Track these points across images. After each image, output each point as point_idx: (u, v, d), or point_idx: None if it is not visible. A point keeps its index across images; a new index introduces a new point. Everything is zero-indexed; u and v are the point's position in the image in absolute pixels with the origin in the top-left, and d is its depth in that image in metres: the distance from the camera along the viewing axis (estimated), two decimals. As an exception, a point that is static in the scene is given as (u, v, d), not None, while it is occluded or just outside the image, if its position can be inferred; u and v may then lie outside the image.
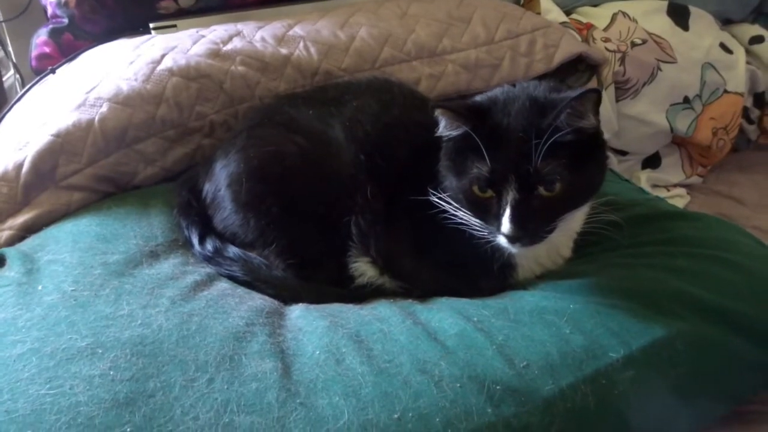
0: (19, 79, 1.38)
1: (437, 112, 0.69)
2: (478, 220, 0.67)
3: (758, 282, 0.68)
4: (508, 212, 0.64)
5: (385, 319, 0.67)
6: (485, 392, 0.56)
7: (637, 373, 0.58)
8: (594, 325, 0.62)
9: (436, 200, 0.70)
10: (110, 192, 0.94)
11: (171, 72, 0.97)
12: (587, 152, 0.66)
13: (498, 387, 0.56)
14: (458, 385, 0.56)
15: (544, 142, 0.62)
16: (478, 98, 0.72)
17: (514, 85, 0.73)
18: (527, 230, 0.64)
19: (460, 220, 0.69)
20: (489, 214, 0.67)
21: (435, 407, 0.55)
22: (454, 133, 0.69)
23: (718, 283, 0.66)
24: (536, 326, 0.63)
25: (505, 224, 0.64)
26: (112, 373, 0.57)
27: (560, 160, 0.63)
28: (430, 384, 0.57)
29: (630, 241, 0.75)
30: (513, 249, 0.67)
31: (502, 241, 0.66)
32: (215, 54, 1.00)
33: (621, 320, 0.62)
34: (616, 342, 0.60)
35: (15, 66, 1.37)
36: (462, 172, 0.68)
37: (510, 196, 0.64)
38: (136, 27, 1.18)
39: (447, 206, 0.69)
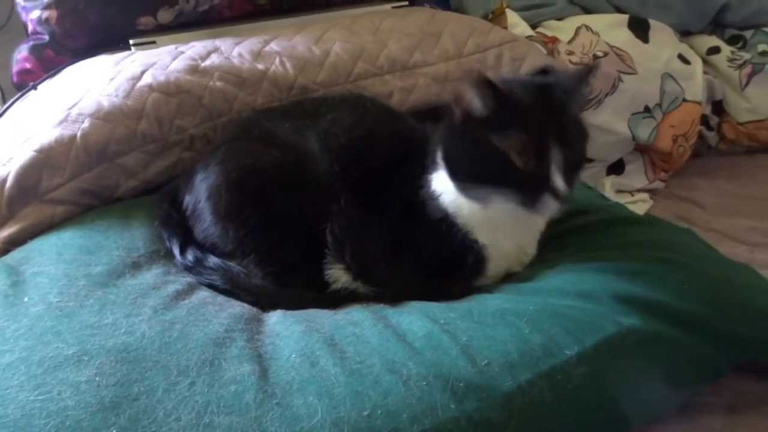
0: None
1: (471, 87, 0.72)
2: (511, 190, 0.72)
3: (704, 281, 0.73)
4: (555, 170, 0.70)
5: (358, 323, 0.71)
6: (449, 389, 0.60)
7: (590, 368, 0.63)
8: (551, 325, 0.66)
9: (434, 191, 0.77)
10: (93, 205, 0.96)
11: (151, 88, 1.00)
12: (583, 125, 0.76)
13: (461, 384, 0.60)
14: (424, 383, 0.60)
15: (573, 107, 0.72)
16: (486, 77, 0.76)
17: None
18: (570, 185, 0.72)
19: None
20: (526, 180, 0.71)
21: (402, 404, 0.58)
22: (484, 108, 0.72)
23: (667, 283, 0.71)
24: (498, 327, 0.67)
25: (558, 180, 0.70)
26: (97, 379, 0.60)
27: (577, 122, 0.74)
28: (399, 383, 0.61)
29: (588, 246, 0.80)
30: (555, 209, 0.72)
31: (546, 201, 0.71)
32: (194, 70, 1.03)
33: (576, 320, 0.67)
34: (571, 340, 0.65)
35: (-6, 80, 1.40)
36: (490, 147, 0.71)
37: (555, 156, 0.70)
38: (116, 43, 1.21)
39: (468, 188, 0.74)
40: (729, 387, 0.76)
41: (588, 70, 0.75)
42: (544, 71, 1.18)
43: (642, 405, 0.67)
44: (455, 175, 0.75)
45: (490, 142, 0.71)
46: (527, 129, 0.70)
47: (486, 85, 0.71)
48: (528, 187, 0.71)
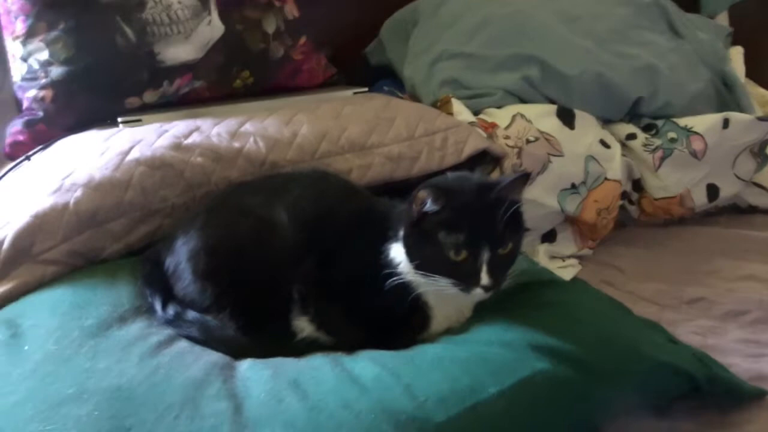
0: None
1: (425, 193, 0.86)
2: (451, 279, 0.86)
3: (596, 333, 0.89)
4: (485, 269, 0.85)
5: (318, 367, 0.83)
6: (393, 421, 0.72)
7: (507, 404, 0.76)
8: (478, 368, 0.80)
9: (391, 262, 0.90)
10: (80, 265, 1.06)
11: (138, 162, 1.13)
12: (518, 220, 0.89)
13: (403, 416, 0.73)
14: (372, 416, 0.73)
15: (504, 212, 0.85)
16: (439, 184, 0.91)
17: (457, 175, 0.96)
18: (497, 280, 0.86)
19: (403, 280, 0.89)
20: (462, 272, 0.86)
21: (354, 433, 0.71)
22: (435, 208, 0.87)
23: (569, 335, 0.86)
24: (435, 370, 0.81)
25: (485, 278, 0.85)
26: (96, 413, 0.71)
27: (511, 226, 0.87)
28: (351, 416, 0.73)
29: (512, 303, 0.95)
30: (485, 296, 0.87)
31: (477, 292, 0.86)
32: (177, 147, 1.17)
33: (498, 363, 0.81)
34: (493, 380, 0.78)
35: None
36: (437, 242, 0.86)
37: (485, 256, 0.85)
38: (104, 119, 1.35)
39: (412, 274, 0.89)
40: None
41: (525, 177, 0.90)
42: (485, 153, 1.38)
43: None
44: (412, 259, 0.90)
45: (438, 238, 0.87)
46: (465, 230, 0.86)
47: (438, 190, 0.87)
48: (462, 279, 0.87)
